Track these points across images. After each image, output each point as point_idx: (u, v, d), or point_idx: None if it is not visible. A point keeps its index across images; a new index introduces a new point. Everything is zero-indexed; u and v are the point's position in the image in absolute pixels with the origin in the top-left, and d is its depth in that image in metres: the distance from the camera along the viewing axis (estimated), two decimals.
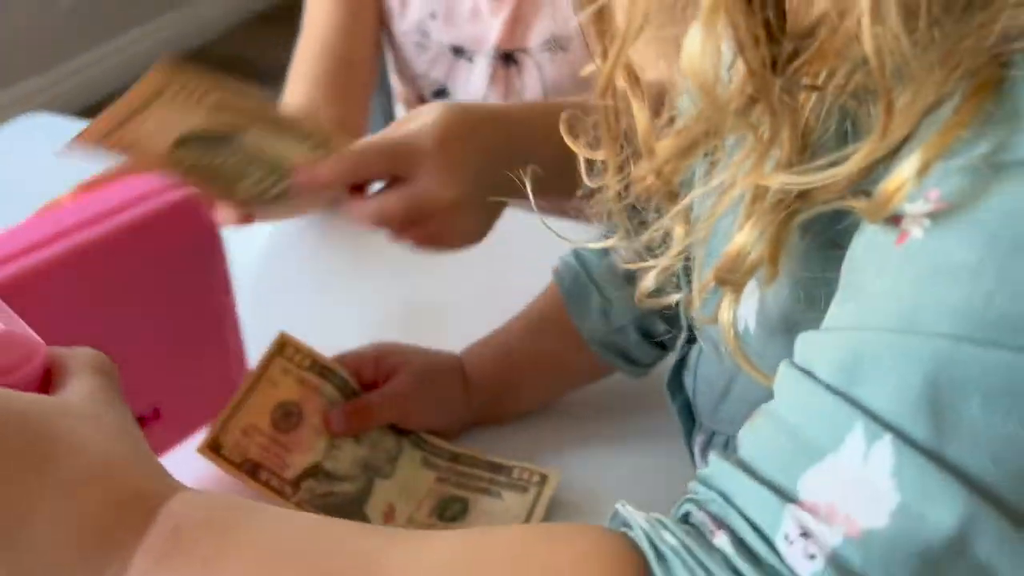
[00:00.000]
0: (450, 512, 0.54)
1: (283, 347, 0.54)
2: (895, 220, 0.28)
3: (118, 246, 0.41)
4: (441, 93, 0.84)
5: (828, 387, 0.28)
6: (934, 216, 0.27)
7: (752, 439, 0.30)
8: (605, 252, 0.53)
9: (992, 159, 0.26)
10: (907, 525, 0.26)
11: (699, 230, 0.36)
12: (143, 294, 0.44)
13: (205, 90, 0.54)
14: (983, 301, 0.26)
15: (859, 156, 0.28)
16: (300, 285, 0.74)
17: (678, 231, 0.37)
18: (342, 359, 0.57)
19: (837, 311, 0.31)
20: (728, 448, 0.38)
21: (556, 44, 0.80)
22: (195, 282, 0.47)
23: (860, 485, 0.27)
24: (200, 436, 0.50)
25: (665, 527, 0.29)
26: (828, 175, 0.29)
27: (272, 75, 3.01)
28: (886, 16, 0.26)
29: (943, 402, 0.26)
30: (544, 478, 0.55)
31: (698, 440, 0.51)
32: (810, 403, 0.29)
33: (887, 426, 0.27)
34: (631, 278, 0.42)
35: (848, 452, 0.27)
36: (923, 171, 0.27)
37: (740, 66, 0.30)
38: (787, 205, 0.32)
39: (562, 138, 0.40)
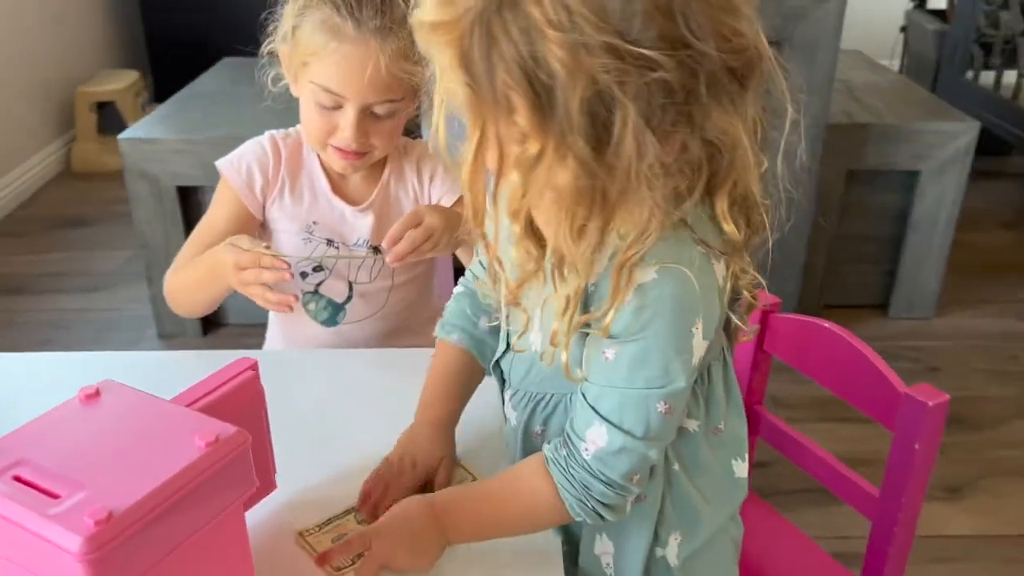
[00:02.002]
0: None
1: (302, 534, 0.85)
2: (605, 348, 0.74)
3: (237, 391, 0.78)
4: (318, 268, 1.27)
5: (590, 405, 0.76)
6: (615, 354, 0.74)
7: (573, 419, 0.78)
8: (475, 320, 0.97)
9: (624, 335, 0.73)
10: (606, 449, 0.76)
11: (534, 317, 0.81)
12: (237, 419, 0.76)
13: None
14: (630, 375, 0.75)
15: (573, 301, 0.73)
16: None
17: (523, 316, 0.81)
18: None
19: (594, 371, 0.76)
20: (525, 399, 0.89)
21: None
22: (254, 413, 0.81)
23: (598, 436, 0.76)
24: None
25: (555, 448, 0.79)
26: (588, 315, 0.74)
27: (14, 284, 2.69)
28: (578, 246, 0.68)
29: (623, 411, 0.75)
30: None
31: (507, 394, 0.92)
32: (584, 407, 0.77)
33: (604, 419, 0.75)
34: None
35: (595, 426, 0.76)
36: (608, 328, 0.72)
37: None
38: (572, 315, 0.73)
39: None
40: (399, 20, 1.06)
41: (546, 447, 0.80)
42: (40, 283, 2.71)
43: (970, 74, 3.34)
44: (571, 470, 0.77)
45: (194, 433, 0.63)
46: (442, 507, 0.82)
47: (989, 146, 2.86)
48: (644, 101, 0.61)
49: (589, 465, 0.76)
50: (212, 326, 2.40)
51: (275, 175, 1.23)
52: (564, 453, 0.78)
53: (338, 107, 1.10)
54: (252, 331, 2.34)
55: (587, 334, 0.75)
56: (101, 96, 3.50)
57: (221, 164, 1.23)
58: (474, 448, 0.96)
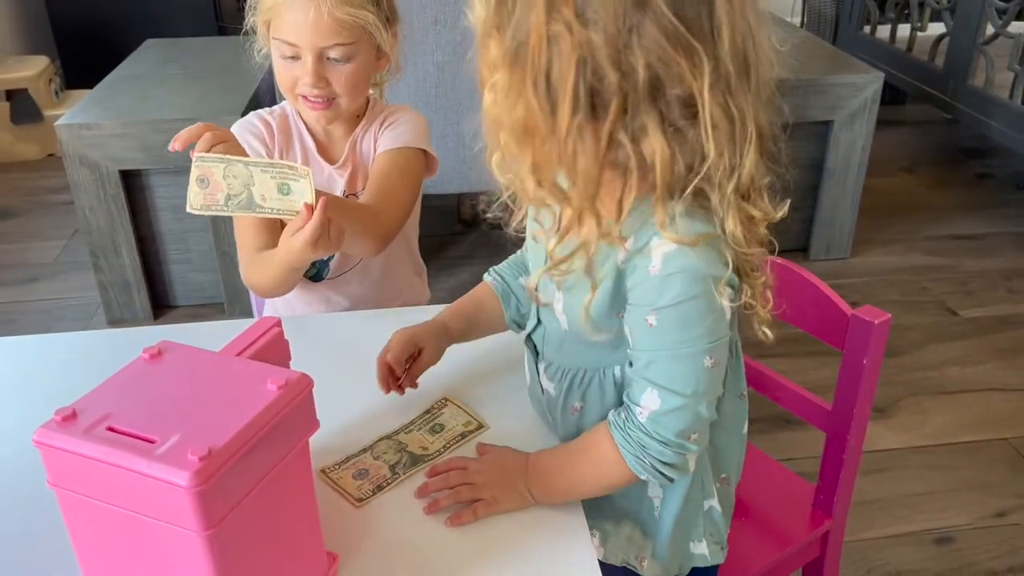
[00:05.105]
0: (436, 428, 1.02)
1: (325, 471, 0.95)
2: (647, 316, 0.81)
3: (268, 346, 0.83)
4: None
5: (641, 373, 0.84)
6: (658, 320, 0.81)
7: (629, 389, 0.86)
8: (516, 275, 1.09)
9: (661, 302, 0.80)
10: (659, 411, 0.84)
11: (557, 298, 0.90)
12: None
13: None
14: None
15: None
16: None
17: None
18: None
19: (641, 339, 0.83)
20: (560, 372, 0.96)
21: None
22: (283, 365, 0.85)
23: (651, 401, 0.83)
24: None
25: (616, 412, 0.88)
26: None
27: None
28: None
29: (672, 373, 0.82)
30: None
31: (542, 366, 0.99)
32: (636, 376, 0.85)
33: (655, 384, 0.83)
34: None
35: (648, 391, 0.83)
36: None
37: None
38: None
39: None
40: None
41: (611, 413, 0.88)
42: None
43: (867, 28, 3.55)
44: (628, 431, 0.85)
45: (265, 379, 0.70)
46: (533, 463, 0.91)
47: (886, 96, 3.05)
48: (585, 71, 0.70)
49: (644, 427, 0.84)
50: (162, 309, 2.41)
51: (271, 142, 1.32)
52: (624, 416, 0.86)
53: (297, 57, 1.21)
54: (202, 312, 2.38)
55: (624, 307, 0.83)
56: (11, 84, 3.40)
57: None
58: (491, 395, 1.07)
